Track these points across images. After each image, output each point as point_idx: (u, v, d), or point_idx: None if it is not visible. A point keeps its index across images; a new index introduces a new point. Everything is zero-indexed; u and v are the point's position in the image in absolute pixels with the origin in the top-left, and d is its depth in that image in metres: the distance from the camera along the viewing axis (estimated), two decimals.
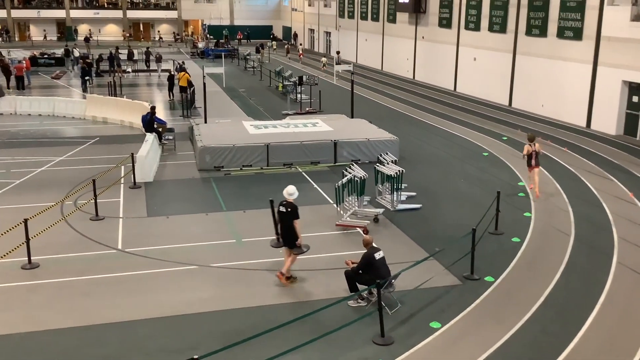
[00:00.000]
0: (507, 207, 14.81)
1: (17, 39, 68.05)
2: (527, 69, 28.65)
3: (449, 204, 15.62)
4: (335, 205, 14.69)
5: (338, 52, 46.72)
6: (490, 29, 31.39)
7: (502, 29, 30.41)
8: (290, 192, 11.23)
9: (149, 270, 11.63)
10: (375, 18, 46.53)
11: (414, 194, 16.15)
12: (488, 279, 11.30)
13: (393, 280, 10.18)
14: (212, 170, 18.23)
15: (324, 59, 46.20)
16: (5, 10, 67.33)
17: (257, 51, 50.89)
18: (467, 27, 33.75)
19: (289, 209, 11.00)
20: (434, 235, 13.47)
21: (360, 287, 10.22)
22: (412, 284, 10.69)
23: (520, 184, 17.35)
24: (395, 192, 15.02)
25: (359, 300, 10.32)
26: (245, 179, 17.62)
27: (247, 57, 47.30)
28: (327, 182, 16.96)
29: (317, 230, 13.71)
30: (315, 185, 17.01)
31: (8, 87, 33.07)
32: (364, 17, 49.03)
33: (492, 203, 13.57)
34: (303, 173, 18.23)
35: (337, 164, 18.80)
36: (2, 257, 11.29)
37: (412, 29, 40.40)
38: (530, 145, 16.06)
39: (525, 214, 14.82)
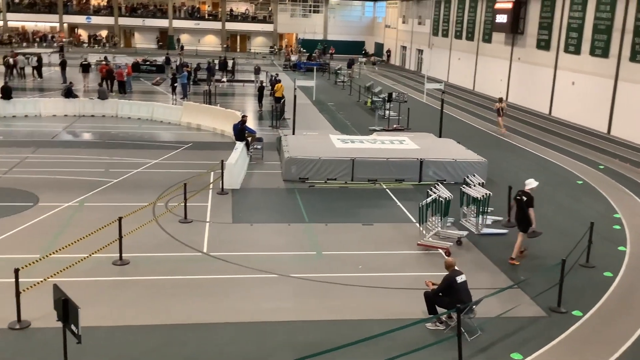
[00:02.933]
0: (600, 240, 14.09)
1: (122, 45, 71.94)
2: (630, 96, 27.27)
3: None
4: (417, 224, 14.52)
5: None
6: (592, 53, 30.16)
7: (605, 54, 29.15)
8: (529, 182, 12.98)
9: (231, 275, 11.91)
10: (470, 37, 45.84)
11: (500, 218, 15.68)
12: (576, 313, 10.78)
13: (474, 306, 9.91)
14: (297, 182, 18.48)
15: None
16: (113, 18, 71.50)
17: (349, 66, 51.30)
18: (566, 50, 32.60)
19: (525, 198, 12.63)
20: (519, 263, 13.01)
21: (440, 310, 10.02)
22: (494, 312, 10.36)
23: (615, 215, 16.51)
24: (480, 216, 14.66)
25: (438, 324, 10.11)
26: (329, 192, 17.73)
27: (338, 71, 47.76)
28: (410, 201, 16.78)
29: (398, 248, 13.59)
30: (399, 203, 16.87)
31: (111, 91, 34.93)
32: (458, 36, 48.41)
33: (585, 234, 12.97)
34: (387, 190, 18.14)
35: (422, 182, 18.57)
36: (96, 251, 11.89)
37: (508, 50, 39.48)
38: (500, 103, 27.71)
39: (619, 248, 14.06)
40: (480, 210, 14.61)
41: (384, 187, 18.41)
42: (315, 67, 44.96)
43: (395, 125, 28.38)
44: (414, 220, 15.17)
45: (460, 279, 9.89)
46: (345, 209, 16.32)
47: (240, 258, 12.67)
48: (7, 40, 65.81)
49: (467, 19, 46.67)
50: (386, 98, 30.28)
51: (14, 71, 40.54)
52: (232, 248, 13.22)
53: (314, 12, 75.38)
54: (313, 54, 60.90)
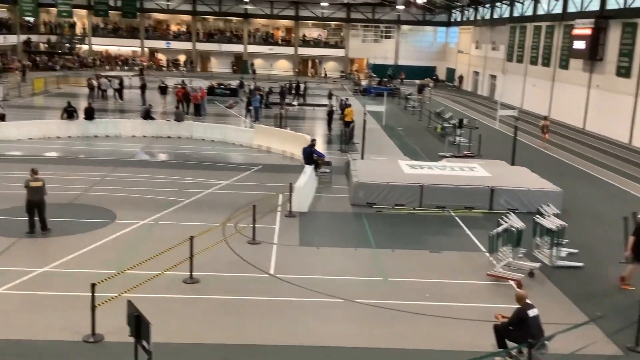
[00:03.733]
0: None
1: (199, 69, 74.44)
2: None
3: (615, 267, 14.31)
4: (487, 254, 14.17)
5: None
6: None
7: None
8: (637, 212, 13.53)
9: (296, 297, 11.96)
10: (546, 63, 44.82)
11: (575, 251, 15.10)
12: None
13: (546, 342, 9.54)
14: (365, 206, 18.44)
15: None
16: (191, 43, 74.31)
17: (419, 91, 51.10)
18: None
19: (635, 226, 12.97)
20: (595, 299, 12.47)
21: (510, 344, 9.70)
22: (568, 349, 9.94)
23: None
24: (554, 247, 14.16)
25: (508, 358, 9.78)
26: (397, 218, 17.60)
27: (409, 96, 47.65)
28: (480, 230, 16.42)
29: (467, 278, 13.30)
30: (468, 231, 16.55)
31: (187, 114, 36.08)
32: (533, 62, 47.43)
33: None
34: (456, 217, 17.83)
35: (492, 211, 18.14)
36: (168, 269, 12.22)
37: (586, 77, 38.31)
38: (544, 121, 31.95)
39: None
40: (555, 241, 14.13)
41: (453, 214, 18.11)
42: (385, 92, 45.02)
43: (465, 152, 27.94)
44: (484, 250, 14.82)
45: (532, 312, 9.55)
46: (413, 235, 16.16)
47: (306, 281, 12.72)
48: (91, 63, 69.37)
49: (543, 45, 45.70)
50: (457, 124, 29.93)
51: (97, 93, 42.64)
52: (298, 271, 13.30)
53: (386, 37, 75.72)
54: (384, 79, 61.01)
